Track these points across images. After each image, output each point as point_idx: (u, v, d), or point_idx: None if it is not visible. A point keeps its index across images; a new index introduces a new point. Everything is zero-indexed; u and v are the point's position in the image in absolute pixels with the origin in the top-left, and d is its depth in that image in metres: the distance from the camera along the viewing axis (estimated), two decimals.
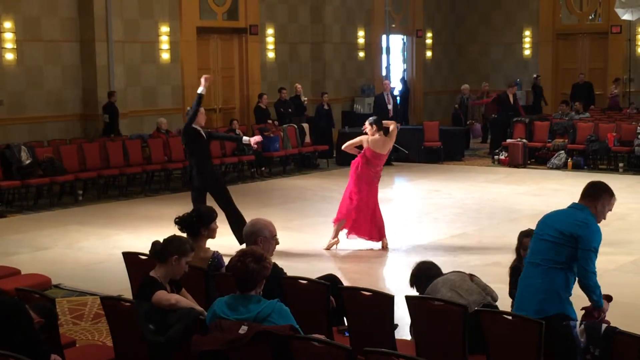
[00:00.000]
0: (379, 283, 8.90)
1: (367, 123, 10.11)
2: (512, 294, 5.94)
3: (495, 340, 4.86)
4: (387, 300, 5.19)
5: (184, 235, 5.84)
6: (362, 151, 10.02)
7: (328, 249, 10.06)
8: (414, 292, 5.82)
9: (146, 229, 11.23)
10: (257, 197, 10.85)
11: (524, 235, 6.14)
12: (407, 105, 23.26)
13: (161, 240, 5.20)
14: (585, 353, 4.71)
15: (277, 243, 5.75)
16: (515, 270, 6.10)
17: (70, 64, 16.08)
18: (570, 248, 5.17)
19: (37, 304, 5.06)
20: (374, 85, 22.51)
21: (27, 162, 13.34)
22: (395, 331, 5.38)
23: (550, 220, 5.39)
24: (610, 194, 5.38)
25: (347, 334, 5.52)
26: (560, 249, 5.19)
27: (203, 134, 10.00)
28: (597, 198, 5.31)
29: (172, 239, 5.19)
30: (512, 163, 17.70)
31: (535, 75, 22.93)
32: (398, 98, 21.36)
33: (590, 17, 24.93)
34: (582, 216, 5.23)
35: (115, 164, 14.70)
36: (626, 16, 19.68)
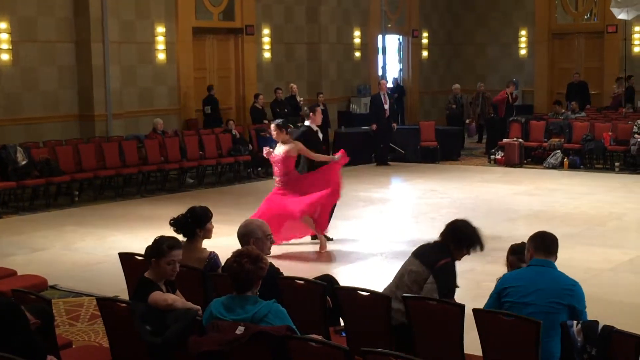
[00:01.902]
0: (375, 283, 8.88)
1: (273, 126, 10.02)
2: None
3: (491, 341, 4.85)
4: (383, 301, 5.18)
5: (177, 235, 5.82)
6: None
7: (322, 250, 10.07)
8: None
9: (142, 229, 11.21)
10: (253, 198, 10.88)
11: (511, 253, 5.70)
12: (401, 106, 23.26)
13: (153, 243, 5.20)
14: (582, 352, 4.70)
15: (272, 241, 5.76)
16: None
17: (66, 64, 16.05)
18: (565, 315, 4.89)
19: (33, 305, 5.04)
20: (370, 86, 22.51)
21: (23, 163, 13.31)
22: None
23: (532, 286, 4.95)
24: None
25: (343, 334, 5.51)
26: (554, 318, 4.87)
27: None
28: (557, 251, 5.14)
29: (154, 241, 5.18)
30: (508, 163, 17.72)
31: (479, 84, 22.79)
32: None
33: (585, 17, 24.96)
34: (569, 279, 5.01)
35: (111, 164, 14.68)
36: (622, 15, 19.69)
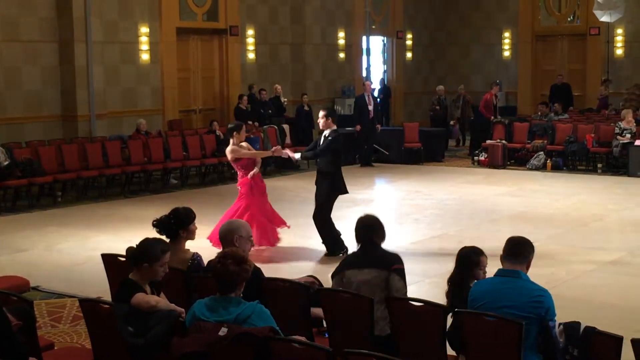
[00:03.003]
0: None
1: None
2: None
3: (475, 341, 4.86)
4: (365, 303, 5.18)
5: (161, 237, 5.80)
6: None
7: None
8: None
9: (126, 230, 11.17)
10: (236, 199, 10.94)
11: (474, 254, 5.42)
12: (387, 107, 23.31)
13: (134, 246, 5.16)
14: (564, 353, 4.72)
15: (253, 245, 5.76)
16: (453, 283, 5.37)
17: (49, 64, 15.97)
18: (536, 327, 4.80)
19: (14, 306, 5.01)
20: (354, 87, 22.53)
21: (6, 163, 13.24)
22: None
23: (499, 300, 4.82)
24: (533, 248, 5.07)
25: (327, 335, 5.51)
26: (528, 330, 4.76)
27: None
28: (527, 257, 5.00)
29: (141, 246, 5.13)
30: (491, 164, 17.78)
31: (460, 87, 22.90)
32: (378, 99, 21.40)
33: (569, 19, 25.09)
34: (535, 288, 4.88)
35: (94, 165, 14.62)
36: (604, 18, 19.82)
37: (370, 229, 5.74)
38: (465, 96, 21.60)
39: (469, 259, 5.30)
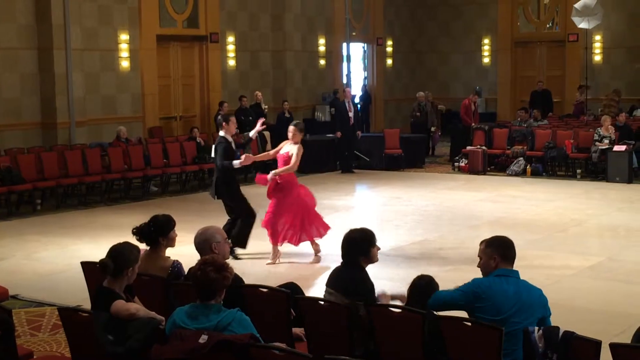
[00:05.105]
0: None
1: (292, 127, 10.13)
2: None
3: (455, 347, 4.88)
4: (344, 311, 5.18)
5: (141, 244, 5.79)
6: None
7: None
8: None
9: (106, 238, 11.09)
10: (218, 206, 10.85)
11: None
12: (366, 113, 23.36)
13: (106, 258, 5.11)
14: (543, 357, 4.75)
15: (230, 245, 5.76)
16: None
17: (28, 71, 15.89)
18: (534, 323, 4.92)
19: None
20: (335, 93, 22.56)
21: None
22: None
23: (524, 305, 4.92)
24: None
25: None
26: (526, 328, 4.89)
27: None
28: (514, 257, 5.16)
29: (118, 254, 5.09)
30: (472, 170, 17.86)
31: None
32: (359, 105, 21.45)
33: (547, 26, 25.29)
34: (536, 289, 5.07)
35: (74, 172, 14.55)
36: (582, 25, 19.96)
37: (346, 246, 5.62)
38: (433, 102, 21.73)
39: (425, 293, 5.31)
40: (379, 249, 5.66)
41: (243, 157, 10.01)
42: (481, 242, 5.24)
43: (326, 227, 10.13)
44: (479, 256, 5.21)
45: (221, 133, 10.18)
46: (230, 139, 10.12)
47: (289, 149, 10.04)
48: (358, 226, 5.83)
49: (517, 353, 4.86)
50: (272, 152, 10.57)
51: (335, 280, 5.56)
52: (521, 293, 4.95)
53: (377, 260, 5.66)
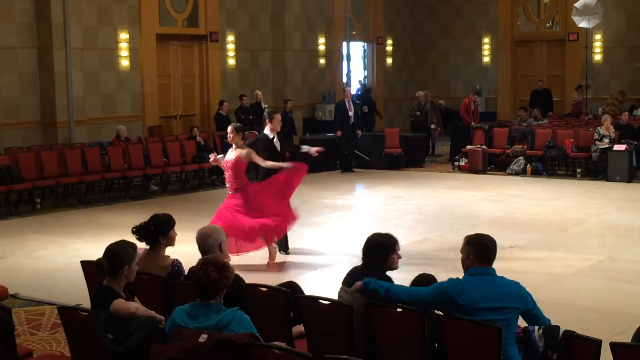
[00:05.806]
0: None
1: (230, 128, 9.71)
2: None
3: (455, 347, 4.87)
4: (344, 309, 5.17)
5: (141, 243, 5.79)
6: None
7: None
8: None
9: (105, 237, 11.02)
10: (217, 205, 10.83)
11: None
12: (372, 114, 23.26)
13: (101, 258, 5.09)
14: (544, 357, 4.75)
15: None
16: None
17: (27, 70, 15.87)
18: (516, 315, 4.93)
19: None
20: (335, 92, 22.56)
21: None
22: None
23: (497, 301, 4.88)
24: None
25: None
26: (508, 322, 4.86)
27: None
28: (495, 256, 5.13)
29: (113, 253, 5.08)
30: (472, 169, 17.85)
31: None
32: (365, 108, 21.39)
33: (547, 25, 25.28)
34: (511, 283, 5.01)
35: (74, 171, 14.55)
36: (583, 24, 19.97)
37: (367, 248, 5.60)
38: (432, 101, 21.70)
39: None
40: (399, 257, 5.58)
41: (211, 156, 9.87)
42: (464, 238, 5.23)
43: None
44: (460, 252, 5.18)
45: (266, 131, 10.03)
46: (271, 136, 9.96)
47: (233, 155, 9.58)
48: (380, 231, 5.77)
49: (508, 348, 4.83)
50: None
51: (352, 279, 5.52)
52: (496, 291, 4.89)
53: (396, 267, 5.57)
